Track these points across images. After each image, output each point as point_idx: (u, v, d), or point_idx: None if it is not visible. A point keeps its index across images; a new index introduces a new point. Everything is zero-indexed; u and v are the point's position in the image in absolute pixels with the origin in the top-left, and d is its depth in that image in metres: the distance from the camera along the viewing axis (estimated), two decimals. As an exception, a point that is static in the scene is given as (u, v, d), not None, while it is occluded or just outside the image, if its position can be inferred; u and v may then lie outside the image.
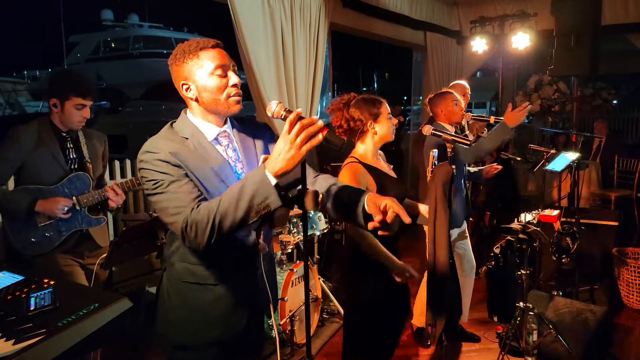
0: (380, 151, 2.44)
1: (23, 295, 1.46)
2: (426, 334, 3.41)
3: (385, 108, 2.32)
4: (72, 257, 2.56)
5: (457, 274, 2.75)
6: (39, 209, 2.40)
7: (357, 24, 5.69)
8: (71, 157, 2.56)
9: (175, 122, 1.64)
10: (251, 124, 1.76)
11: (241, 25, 3.67)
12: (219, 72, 1.54)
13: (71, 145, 2.57)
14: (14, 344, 1.26)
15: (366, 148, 2.32)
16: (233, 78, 1.57)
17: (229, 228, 1.39)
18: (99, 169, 2.71)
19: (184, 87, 1.57)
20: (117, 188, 2.57)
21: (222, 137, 1.63)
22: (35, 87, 23.28)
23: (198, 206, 1.43)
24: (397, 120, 2.38)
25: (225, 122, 1.65)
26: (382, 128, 2.29)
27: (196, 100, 1.57)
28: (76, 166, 2.56)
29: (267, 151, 1.69)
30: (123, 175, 4.50)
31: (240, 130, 1.70)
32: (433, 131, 2.48)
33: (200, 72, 1.54)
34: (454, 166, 2.40)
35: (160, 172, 1.48)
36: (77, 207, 2.52)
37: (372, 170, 2.25)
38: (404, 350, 3.20)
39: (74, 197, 2.50)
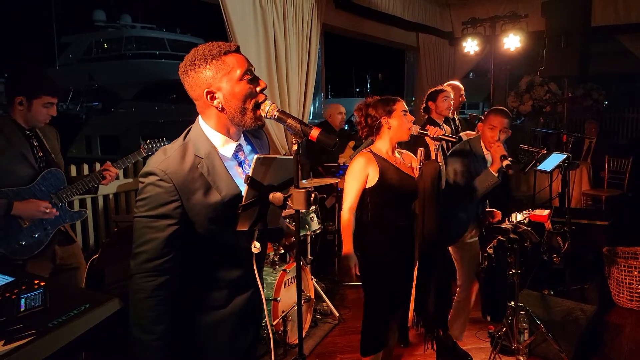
0: (408, 152, 2.65)
1: (13, 297, 1.46)
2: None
3: (400, 105, 2.51)
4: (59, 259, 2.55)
5: (447, 270, 2.78)
6: (16, 212, 2.32)
7: (350, 25, 5.72)
8: (39, 155, 2.50)
9: (189, 134, 1.50)
10: (254, 131, 1.67)
11: (233, 26, 3.67)
12: (247, 77, 1.45)
13: (36, 143, 2.51)
14: (4, 344, 1.26)
15: (382, 143, 2.54)
16: (262, 83, 1.49)
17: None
18: (62, 163, 2.65)
19: (209, 95, 1.44)
20: (111, 167, 2.68)
21: (238, 152, 1.54)
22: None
23: (154, 279, 1.38)
24: (413, 118, 2.55)
25: (240, 136, 1.56)
26: (395, 122, 2.48)
27: (222, 109, 1.46)
28: (44, 164, 2.52)
29: None
30: (116, 177, 4.46)
31: (251, 140, 1.64)
32: (420, 131, 2.54)
33: (228, 77, 1.43)
34: (441, 163, 2.48)
35: (148, 197, 1.40)
36: (59, 204, 2.49)
37: (380, 160, 2.47)
38: (396, 350, 3.21)
39: (52, 194, 2.47)
